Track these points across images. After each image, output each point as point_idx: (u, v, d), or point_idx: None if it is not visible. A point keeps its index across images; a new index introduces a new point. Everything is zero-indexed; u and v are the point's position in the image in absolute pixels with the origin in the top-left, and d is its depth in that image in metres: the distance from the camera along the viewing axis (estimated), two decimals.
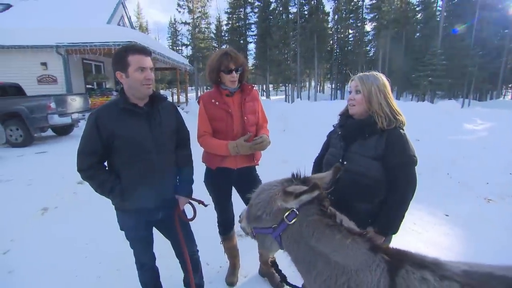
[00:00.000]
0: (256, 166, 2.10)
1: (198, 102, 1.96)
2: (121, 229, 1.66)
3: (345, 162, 1.47)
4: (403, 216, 1.42)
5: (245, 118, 1.91)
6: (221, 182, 2.00)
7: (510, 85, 33.39)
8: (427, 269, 0.87)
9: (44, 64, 10.32)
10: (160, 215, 1.66)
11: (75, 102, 7.70)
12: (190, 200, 1.77)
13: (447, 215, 3.33)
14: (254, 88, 2.02)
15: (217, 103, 1.87)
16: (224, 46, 40.62)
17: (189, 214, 1.80)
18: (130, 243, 1.68)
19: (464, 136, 5.93)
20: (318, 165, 1.75)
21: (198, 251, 1.90)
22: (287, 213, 1.02)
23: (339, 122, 1.62)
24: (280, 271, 1.30)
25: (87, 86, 12.01)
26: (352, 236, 0.97)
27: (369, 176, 1.41)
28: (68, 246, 2.75)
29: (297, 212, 1.02)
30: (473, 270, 0.88)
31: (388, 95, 1.45)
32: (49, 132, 8.11)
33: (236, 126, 1.89)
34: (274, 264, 1.35)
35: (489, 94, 31.18)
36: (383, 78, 1.48)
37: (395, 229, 1.43)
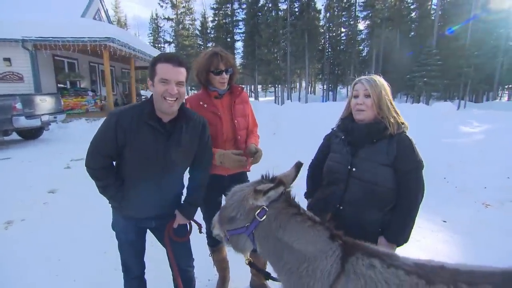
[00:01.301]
0: (248, 173, 2.10)
1: (185, 105, 1.93)
2: (113, 228, 1.68)
3: (354, 169, 1.48)
4: (414, 223, 1.45)
5: (235, 121, 1.91)
6: (212, 190, 1.97)
7: (506, 87, 34.87)
8: (376, 257, 1.02)
9: (7, 59, 10.00)
10: (153, 224, 1.68)
11: (45, 103, 7.48)
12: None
13: (445, 221, 3.41)
14: (244, 90, 2.03)
15: (205, 105, 1.86)
16: (209, 44, 40.77)
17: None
18: (119, 245, 1.70)
19: (461, 139, 6.13)
20: (315, 170, 1.75)
21: (193, 267, 1.88)
22: (258, 211, 1.18)
23: (342, 126, 1.61)
24: (261, 269, 1.38)
25: (59, 85, 11.72)
26: (314, 224, 1.15)
27: (381, 184, 1.43)
28: (37, 263, 2.64)
29: (267, 209, 1.18)
30: (424, 263, 1.00)
31: (391, 99, 1.51)
32: (14, 136, 7.84)
33: (226, 130, 1.89)
34: (252, 264, 1.41)
35: (485, 96, 32.44)
36: (385, 81, 1.53)
37: (407, 237, 1.46)
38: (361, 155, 1.48)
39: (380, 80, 1.51)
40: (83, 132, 8.65)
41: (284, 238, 1.15)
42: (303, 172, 1.89)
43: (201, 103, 1.86)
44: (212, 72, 1.83)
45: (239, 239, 1.26)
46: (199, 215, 1.81)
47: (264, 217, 1.17)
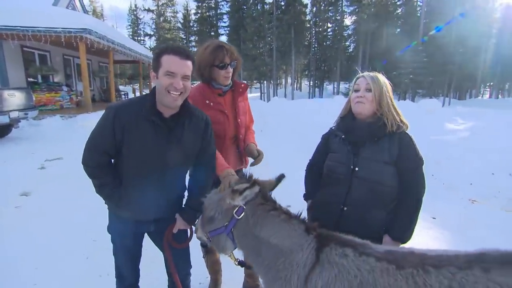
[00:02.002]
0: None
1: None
2: (108, 231, 1.64)
3: (356, 168, 1.51)
4: (417, 220, 1.50)
5: (239, 120, 1.89)
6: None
7: (488, 84, 36.52)
8: (349, 247, 1.11)
9: None
10: (152, 228, 1.64)
11: (14, 98, 7.13)
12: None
13: (434, 218, 3.54)
14: (248, 86, 2.01)
15: (211, 103, 1.81)
16: (192, 38, 40.21)
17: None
18: (114, 249, 1.66)
19: (446, 136, 6.37)
20: (314, 171, 1.75)
21: (190, 274, 1.85)
22: (236, 210, 1.28)
23: (342, 125, 1.63)
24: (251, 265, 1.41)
25: (29, 79, 11.24)
26: (289, 218, 1.24)
27: (385, 183, 1.47)
28: (10, 273, 2.51)
29: (244, 207, 1.28)
30: (395, 249, 1.13)
31: (392, 97, 1.55)
32: None
33: (230, 129, 1.87)
34: (242, 263, 1.47)
35: (468, 93, 33.88)
36: (387, 80, 1.57)
37: (411, 234, 1.51)
38: (363, 154, 1.51)
39: (382, 77, 1.56)
40: (58, 130, 8.32)
41: (261, 234, 1.24)
42: (299, 173, 1.90)
43: (207, 101, 1.81)
44: (216, 66, 1.77)
45: (219, 238, 1.36)
46: None
47: (242, 214, 1.27)
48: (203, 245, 2.15)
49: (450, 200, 4.06)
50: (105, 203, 1.59)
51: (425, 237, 3.12)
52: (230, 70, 1.80)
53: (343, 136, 1.58)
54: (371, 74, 1.55)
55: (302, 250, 1.16)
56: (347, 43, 38.19)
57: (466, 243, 2.99)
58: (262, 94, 35.31)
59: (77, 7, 16.98)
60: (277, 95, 29.33)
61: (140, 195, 1.48)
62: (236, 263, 1.46)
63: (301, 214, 1.29)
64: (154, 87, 1.45)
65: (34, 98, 8.07)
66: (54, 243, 2.89)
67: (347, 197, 1.52)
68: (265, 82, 34.93)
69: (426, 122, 7.40)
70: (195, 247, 2.15)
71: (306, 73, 45.28)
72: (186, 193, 1.72)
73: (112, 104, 1.45)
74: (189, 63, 1.40)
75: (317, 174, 1.71)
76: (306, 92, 41.35)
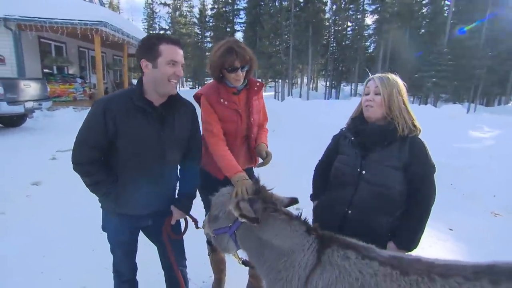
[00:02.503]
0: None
1: (197, 99, 1.92)
2: (104, 229, 1.67)
3: (363, 172, 1.50)
4: (424, 229, 1.49)
5: (252, 119, 1.92)
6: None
7: None
8: (352, 249, 1.13)
9: None
10: (150, 222, 1.67)
11: (30, 89, 7.38)
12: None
13: (451, 230, 3.46)
14: (263, 84, 2.03)
15: (226, 102, 1.84)
16: (208, 34, 40.55)
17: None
18: (111, 247, 1.69)
19: (470, 144, 6.19)
20: (322, 172, 1.76)
21: (186, 266, 1.89)
22: None
23: (352, 127, 1.62)
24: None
25: (45, 70, 11.59)
26: (290, 219, 1.29)
27: (392, 188, 1.45)
28: (18, 260, 2.62)
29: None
30: (401, 255, 1.12)
31: (405, 100, 1.52)
32: None
33: (242, 128, 1.91)
34: (246, 263, 1.50)
35: (497, 100, 32.65)
36: (400, 81, 1.54)
37: (417, 243, 1.50)
38: (371, 157, 1.50)
39: (394, 78, 1.52)
40: (70, 121, 8.57)
41: (264, 236, 1.29)
42: (310, 175, 1.91)
43: (221, 100, 1.83)
44: (226, 69, 1.78)
45: (223, 238, 1.43)
46: (193, 211, 1.82)
47: (245, 220, 1.30)
48: (209, 242, 2.18)
49: (470, 211, 3.95)
50: (99, 201, 1.60)
51: (440, 249, 3.06)
52: (240, 73, 1.79)
53: (352, 138, 1.58)
54: (382, 75, 1.54)
55: (303, 250, 1.19)
56: (367, 43, 37.62)
57: (484, 257, 2.89)
58: (277, 93, 35.26)
59: None
60: (291, 95, 29.23)
61: (138, 189, 1.51)
62: (240, 262, 1.50)
63: (301, 215, 1.33)
64: (141, 77, 1.48)
65: (48, 89, 8.34)
66: (62, 233, 3.00)
67: (352, 200, 1.52)
68: (280, 81, 34.85)
69: (448, 128, 7.22)
70: (197, 245, 2.19)
71: (323, 73, 44.95)
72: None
73: (101, 98, 1.48)
74: (183, 52, 1.50)
75: (325, 175, 1.72)
76: (322, 92, 41.04)
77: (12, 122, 7.89)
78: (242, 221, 1.30)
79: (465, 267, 0.99)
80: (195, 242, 2.28)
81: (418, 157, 1.46)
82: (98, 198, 1.58)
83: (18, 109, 7.00)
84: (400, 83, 1.53)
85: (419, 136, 1.53)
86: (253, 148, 2.00)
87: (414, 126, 1.50)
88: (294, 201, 1.54)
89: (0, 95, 6.53)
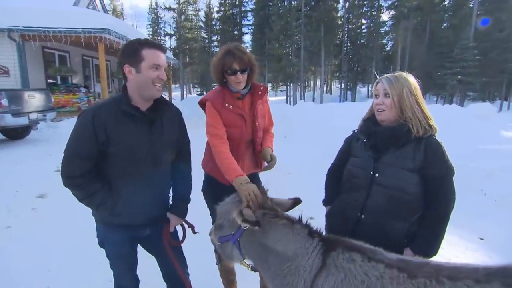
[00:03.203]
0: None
1: (202, 105, 2.00)
2: (101, 245, 1.71)
3: (376, 175, 1.52)
4: (444, 234, 1.49)
5: (257, 123, 1.99)
6: (227, 195, 2.02)
7: None
8: (357, 251, 1.17)
9: None
10: (148, 231, 1.72)
11: (34, 100, 7.67)
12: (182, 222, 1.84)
13: (481, 239, 3.36)
14: (267, 88, 2.10)
15: (231, 107, 1.92)
16: (214, 38, 41.16)
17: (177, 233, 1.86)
18: (111, 262, 1.72)
19: (502, 146, 6.04)
20: (335, 176, 1.79)
21: (188, 274, 1.92)
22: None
23: (364, 129, 1.65)
24: None
25: (49, 80, 12.00)
26: (292, 224, 1.34)
27: (407, 191, 1.46)
28: (25, 274, 2.70)
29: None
30: (409, 259, 1.16)
31: (419, 99, 1.52)
32: None
33: (246, 133, 1.98)
34: (255, 268, 1.53)
35: None
36: (412, 79, 1.55)
37: (436, 250, 1.49)
38: (384, 160, 1.52)
39: (404, 77, 1.53)
40: None
41: (267, 242, 1.34)
42: (322, 179, 1.92)
43: (226, 105, 1.91)
44: (226, 72, 1.87)
45: (226, 246, 1.50)
46: (191, 216, 1.87)
47: (248, 225, 1.37)
48: (217, 251, 2.20)
49: (503, 219, 3.83)
50: (93, 215, 1.65)
51: (468, 260, 2.98)
52: (240, 76, 1.86)
53: (365, 140, 1.60)
54: (390, 76, 1.55)
55: (308, 254, 1.24)
56: (384, 41, 37.41)
57: None
58: (288, 97, 35.32)
59: (97, 6, 18.04)
60: (304, 99, 29.21)
61: (133, 196, 1.57)
62: (249, 268, 1.54)
63: (301, 218, 1.38)
64: (125, 84, 1.56)
65: (52, 100, 8.64)
66: (68, 247, 3.07)
67: (365, 204, 1.53)
68: (291, 84, 34.93)
69: (477, 129, 7.07)
70: (204, 254, 2.20)
71: (337, 74, 44.78)
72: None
73: (88, 108, 1.56)
74: (165, 56, 1.58)
75: (337, 179, 1.74)
76: (337, 95, 40.84)
77: (17, 134, 8.19)
78: (245, 228, 1.37)
79: (476, 269, 1.01)
80: (201, 248, 2.32)
81: (433, 157, 1.46)
82: (92, 211, 1.63)
83: (22, 121, 7.27)
84: (412, 81, 1.53)
85: (436, 137, 1.53)
86: (258, 153, 2.06)
87: (430, 126, 1.50)
88: (297, 201, 1.58)
89: (4, 107, 6.79)
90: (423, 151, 1.46)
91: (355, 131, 1.73)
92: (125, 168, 1.53)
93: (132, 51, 1.50)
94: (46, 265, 2.81)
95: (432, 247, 1.47)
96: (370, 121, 1.63)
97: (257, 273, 2.14)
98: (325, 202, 1.86)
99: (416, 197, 1.46)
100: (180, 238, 1.86)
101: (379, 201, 1.50)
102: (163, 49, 1.55)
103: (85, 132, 1.46)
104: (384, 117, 1.54)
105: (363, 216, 1.54)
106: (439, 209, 1.47)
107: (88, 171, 1.49)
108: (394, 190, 1.47)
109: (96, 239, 1.74)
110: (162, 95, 1.65)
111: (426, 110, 1.53)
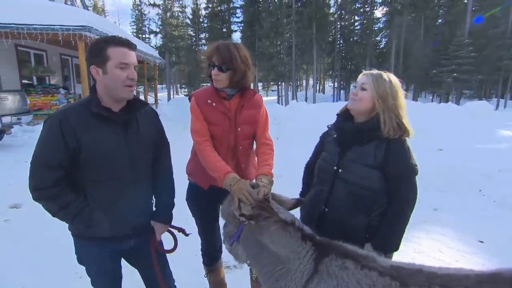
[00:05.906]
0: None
1: (190, 99, 2.00)
2: (80, 262, 1.65)
3: (340, 170, 1.65)
4: (403, 232, 1.60)
5: (238, 129, 1.93)
6: (211, 203, 1.99)
7: None
8: (351, 258, 1.20)
9: None
10: (132, 242, 1.66)
11: (7, 102, 7.52)
12: (169, 228, 1.80)
13: (481, 242, 3.40)
14: (257, 93, 2.07)
15: (213, 104, 1.91)
16: (202, 35, 41.08)
17: (166, 242, 1.82)
18: (92, 280, 1.67)
19: (499, 145, 6.15)
20: (310, 171, 1.89)
21: (176, 287, 1.90)
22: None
23: (336, 124, 1.76)
24: None
25: (24, 81, 11.77)
26: (285, 226, 1.36)
27: (367, 186, 1.58)
28: None
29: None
30: (403, 265, 1.18)
31: (399, 101, 1.60)
32: None
33: (227, 135, 1.93)
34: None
35: None
36: (394, 78, 1.63)
37: (395, 246, 1.60)
38: (348, 156, 1.64)
39: (385, 77, 1.61)
40: None
41: (262, 240, 1.39)
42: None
43: (208, 101, 1.91)
44: (209, 65, 1.90)
45: (237, 247, 1.54)
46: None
47: (245, 220, 1.44)
48: (205, 263, 2.21)
49: (503, 220, 3.89)
50: (69, 229, 1.58)
51: (468, 264, 3.00)
52: (218, 72, 1.84)
53: (335, 136, 1.71)
54: (374, 72, 1.64)
55: (299, 259, 1.28)
56: (378, 38, 37.89)
57: None
58: (280, 97, 35.45)
59: (77, 2, 17.81)
60: (296, 98, 29.35)
61: (112, 204, 1.52)
62: (254, 278, 1.65)
63: (295, 221, 1.41)
64: (94, 86, 1.52)
65: (28, 102, 8.47)
66: (45, 260, 2.99)
67: (329, 198, 1.65)
68: (283, 83, 35.04)
69: (474, 128, 7.21)
70: (194, 263, 2.17)
71: (330, 73, 45.16)
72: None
73: (54, 113, 1.49)
74: (134, 53, 1.53)
75: (312, 173, 1.85)
76: (330, 94, 41.23)
77: None
78: (245, 223, 1.43)
79: (468, 276, 1.06)
80: (191, 259, 2.30)
81: (395, 155, 1.56)
82: (68, 225, 1.56)
83: None
84: (393, 80, 1.62)
85: (405, 139, 1.61)
86: (241, 165, 2.02)
87: (400, 128, 1.57)
88: (300, 201, 1.65)
89: None
90: (384, 150, 1.56)
91: (329, 126, 1.82)
92: (98, 174, 1.48)
93: (97, 50, 1.45)
94: (20, 283, 2.71)
95: (390, 243, 1.58)
96: (341, 116, 1.75)
97: (249, 281, 2.17)
98: (300, 195, 1.96)
99: (375, 193, 1.58)
100: (172, 247, 1.82)
101: (340, 196, 1.62)
102: (131, 46, 1.50)
103: (53, 138, 1.40)
104: (354, 107, 1.65)
105: (326, 209, 1.65)
106: (397, 206, 1.57)
107: (59, 180, 1.42)
108: (355, 186, 1.59)
109: (73, 250, 1.69)
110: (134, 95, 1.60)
111: (403, 113, 1.60)
